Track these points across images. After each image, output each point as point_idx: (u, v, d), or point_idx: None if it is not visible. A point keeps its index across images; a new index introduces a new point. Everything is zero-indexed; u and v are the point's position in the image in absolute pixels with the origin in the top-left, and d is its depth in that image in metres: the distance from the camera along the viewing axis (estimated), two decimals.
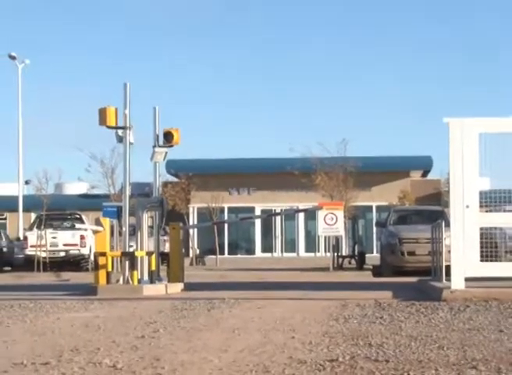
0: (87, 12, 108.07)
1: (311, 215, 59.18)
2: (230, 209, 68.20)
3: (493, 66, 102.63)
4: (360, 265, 45.56)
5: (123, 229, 25.43)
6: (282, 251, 69.01)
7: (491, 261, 20.96)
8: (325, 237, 50.33)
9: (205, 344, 11.85)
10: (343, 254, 49.14)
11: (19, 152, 65.38)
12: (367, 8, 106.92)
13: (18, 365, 9.88)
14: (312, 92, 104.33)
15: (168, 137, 25.90)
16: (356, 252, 48.79)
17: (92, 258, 32.24)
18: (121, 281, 24.14)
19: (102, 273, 24.23)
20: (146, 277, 24.59)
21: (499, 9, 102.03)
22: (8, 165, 68.70)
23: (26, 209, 65.04)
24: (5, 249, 50.91)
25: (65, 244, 46.85)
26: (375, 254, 49.02)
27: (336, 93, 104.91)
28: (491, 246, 21.04)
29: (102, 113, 24.44)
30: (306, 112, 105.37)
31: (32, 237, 47.80)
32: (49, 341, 12.40)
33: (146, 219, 25.91)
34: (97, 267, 24.76)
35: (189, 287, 25.57)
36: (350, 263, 47.24)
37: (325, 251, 52.37)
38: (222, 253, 63.46)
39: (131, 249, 24.98)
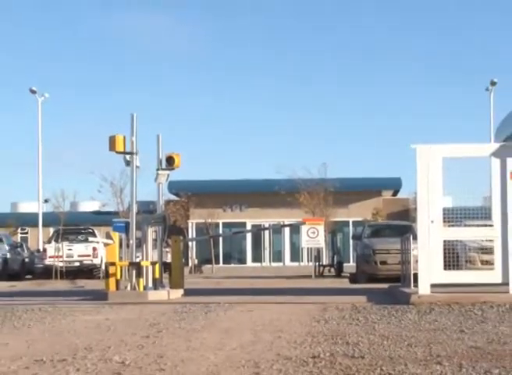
0: (92, 50, 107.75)
1: (295, 229, 59.05)
2: (224, 224, 68.06)
3: (456, 95, 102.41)
4: (339, 273, 45.51)
5: (130, 242, 25.44)
6: (270, 261, 68.88)
7: (453, 269, 20.98)
8: (308, 249, 50.18)
9: (203, 343, 11.87)
10: (324, 263, 49.02)
11: (39, 174, 65.36)
12: (336, 42, 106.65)
13: (38, 361, 9.91)
14: (297, 121, 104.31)
15: (170, 161, 25.95)
16: (335, 262, 48.68)
17: (103, 267, 32.20)
18: (129, 288, 24.15)
19: (112, 281, 24.25)
20: (150, 284, 24.61)
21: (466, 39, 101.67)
22: (29, 186, 68.81)
23: (46, 225, 64.94)
24: (27, 259, 50.93)
25: (79, 255, 46.78)
26: (351, 263, 48.95)
27: (317, 122, 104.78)
28: (453, 256, 21.07)
29: (112, 140, 24.51)
30: (291, 138, 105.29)
31: (50, 249, 47.76)
32: (65, 341, 12.42)
33: (150, 233, 25.94)
34: (107, 275, 24.76)
35: (188, 292, 25.58)
36: (329, 271, 47.16)
37: (308, 260, 52.14)
38: (217, 263, 63.32)
39: (137, 259, 24.99)
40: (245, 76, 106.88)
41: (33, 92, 64.70)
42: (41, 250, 52.87)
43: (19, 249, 51.63)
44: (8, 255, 47.62)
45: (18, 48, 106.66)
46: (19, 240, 64.13)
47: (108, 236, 28.49)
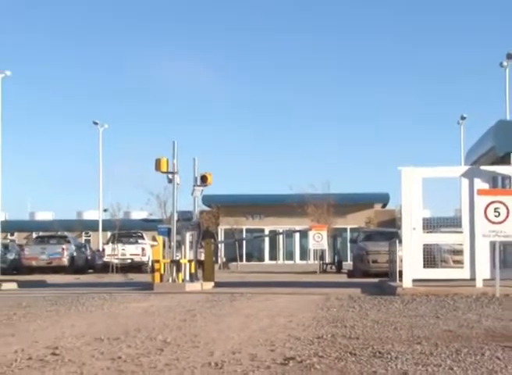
0: (140, 88, 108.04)
1: (304, 234, 58.92)
2: (247, 230, 68.11)
3: (434, 127, 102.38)
4: (339, 269, 45.48)
5: (172, 243, 25.47)
6: (283, 260, 68.73)
7: (430, 267, 20.90)
8: (314, 250, 50.18)
9: (229, 325, 11.84)
10: (327, 262, 48.92)
11: (99, 189, 65.65)
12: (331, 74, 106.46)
13: (97, 339, 9.90)
14: (305, 148, 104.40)
15: (203, 179, 25.96)
16: (336, 260, 48.65)
17: (150, 264, 32.27)
18: (170, 280, 24.13)
19: (157, 275, 24.25)
20: (188, 278, 24.59)
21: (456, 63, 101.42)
22: (92, 198, 69.12)
23: (104, 229, 65.09)
24: (89, 257, 51.16)
25: (131, 254, 46.87)
26: (349, 262, 48.73)
27: (321, 148, 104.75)
28: (430, 257, 20.98)
29: (157, 162, 24.56)
30: (301, 161, 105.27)
31: (108, 249, 47.90)
32: (119, 323, 12.41)
33: (188, 236, 25.94)
34: (153, 270, 24.80)
35: (218, 284, 25.58)
36: (331, 268, 47.09)
37: (314, 259, 52.07)
38: (241, 261, 63.37)
39: (177, 258, 24.99)
40: (262, 111, 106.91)
41: (96, 123, 64.96)
42: (101, 250, 53.02)
43: (83, 249, 51.85)
44: (75, 254, 47.81)
45: (84, 88, 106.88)
46: (83, 241, 64.27)
47: (154, 239, 28.58)
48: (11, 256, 48.29)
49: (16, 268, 46.20)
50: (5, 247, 49.59)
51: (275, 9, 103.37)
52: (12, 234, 73.55)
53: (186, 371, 7.28)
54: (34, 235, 58.75)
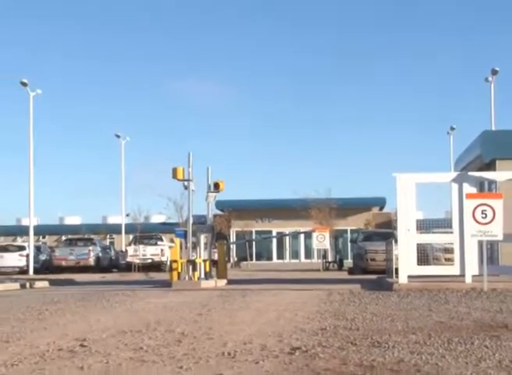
0: (158, 105, 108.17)
1: (308, 235, 58.95)
2: (256, 232, 68.06)
3: (426, 136, 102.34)
4: (340, 267, 45.42)
5: (188, 245, 25.48)
6: (289, 259, 68.64)
7: (424, 265, 20.90)
8: (318, 249, 50.20)
9: (240, 319, 11.84)
10: (329, 260, 48.88)
11: (122, 196, 65.63)
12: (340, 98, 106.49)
13: (121, 332, 9.91)
14: (309, 156, 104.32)
15: (216, 186, 25.99)
16: (337, 259, 48.67)
17: (168, 263, 32.29)
18: (187, 278, 24.13)
19: (175, 273, 24.23)
20: (203, 276, 24.61)
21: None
22: (115, 204, 69.40)
23: (127, 232, 65.09)
24: (113, 257, 51.22)
25: (151, 255, 46.89)
26: (349, 260, 48.68)
27: (323, 157, 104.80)
28: (424, 255, 20.98)
29: (174, 171, 24.63)
30: (304, 169, 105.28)
31: (130, 250, 47.98)
32: (141, 317, 12.42)
33: (202, 238, 25.97)
34: (171, 269, 24.77)
35: (230, 282, 25.56)
36: (333, 266, 47.02)
37: (318, 258, 52.02)
38: (251, 260, 63.34)
39: (193, 258, 25.00)
40: (269, 123, 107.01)
41: (118, 136, 65.01)
42: (124, 251, 53.07)
43: (108, 250, 51.97)
44: (100, 254, 47.90)
45: (108, 104, 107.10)
46: (108, 243, 64.35)
47: (172, 241, 28.57)
48: (43, 257, 48.49)
49: (48, 268, 46.31)
50: (38, 249, 49.80)
51: (280, 24, 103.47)
52: (43, 237, 73.69)
53: (202, 360, 7.30)
54: (64, 238, 58.78)
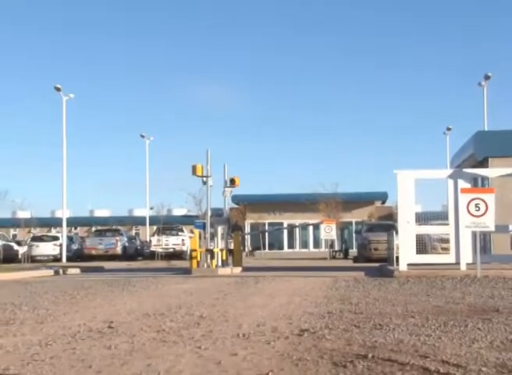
0: (183, 109, 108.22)
1: (316, 227, 58.93)
2: (269, 224, 68.14)
3: (425, 136, 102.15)
4: (346, 256, 45.50)
5: (206, 235, 25.56)
6: (299, 248, 68.71)
7: (422, 254, 20.86)
8: (325, 240, 50.22)
9: (254, 303, 11.84)
10: (335, 249, 48.93)
11: (146, 190, 65.74)
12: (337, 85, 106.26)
13: (145, 315, 9.93)
14: (317, 153, 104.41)
15: (232, 181, 26.06)
16: (343, 248, 48.69)
17: (188, 252, 32.36)
18: (205, 266, 24.20)
19: (194, 261, 24.31)
20: (220, 263, 24.68)
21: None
22: (141, 198, 69.65)
23: (151, 224, 65.35)
24: (139, 247, 51.50)
25: (173, 244, 47.06)
26: (354, 249, 48.68)
27: (331, 153, 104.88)
28: (422, 245, 20.94)
29: (194, 168, 24.73)
30: (313, 165, 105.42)
31: (154, 240, 48.19)
32: (163, 301, 12.44)
33: (220, 229, 26.04)
34: (191, 258, 24.84)
35: (245, 269, 25.60)
36: (339, 255, 47.10)
37: (325, 247, 52.05)
38: (264, 249, 63.46)
39: (211, 247, 25.06)
40: (280, 124, 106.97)
41: (143, 136, 65.09)
42: (148, 241, 53.26)
43: (133, 240, 52.21)
44: (127, 244, 48.10)
45: (133, 107, 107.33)
46: (133, 234, 64.58)
47: (192, 231, 28.61)
48: (75, 246, 48.72)
49: (79, 256, 46.53)
50: (70, 239, 50.02)
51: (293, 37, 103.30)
52: (75, 228, 73.99)
53: (219, 341, 7.30)
54: (93, 229, 59.03)
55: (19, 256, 44.37)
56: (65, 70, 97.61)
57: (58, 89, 47.90)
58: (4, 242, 45.29)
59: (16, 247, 46.67)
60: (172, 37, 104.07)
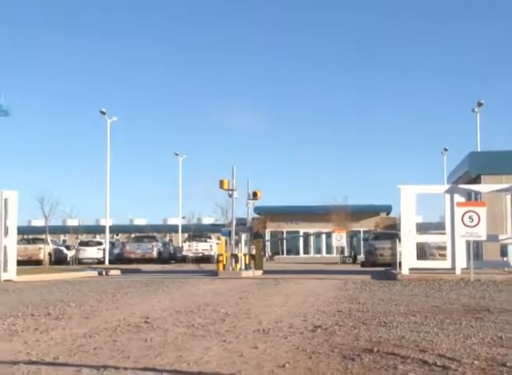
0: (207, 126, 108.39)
1: (328, 235, 58.85)
2: (287, 232, 68.01)
3: (424, 156, 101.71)
4: (354, 261, 45.30)
5: (232, 242, 25.54)
6: (313, 254, 68.49)
7: (422, 259, 20.80)
8: (336, 246, 50.04)
9: (273, 302, 11.83)
10: (346, 255, 48.72)
11: (179, 201, 65.93)
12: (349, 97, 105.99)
13: (177, 312, 9.93)
14: (329, 170, 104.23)
15: (254, 195, 26.07)
16: (352, 254, 48.48)
17: (216, 256, 32.38)
18: (230, 269, 24.17)
19: (221, 265, 24.31)
20: (243, 267, 24.64)
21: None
22: (174, 208, 69.75)
23: (183, 231, 65.43)
24: (172, 252, 51.41)
25: (202, 249, 47.00)
26: (362, 255, 48.43)
27: (341, 170, 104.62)
28: (422, 252, 20.88)
29: (221, 182, 24.76)
30: (325, 180, 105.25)
31: (185, 245, 48.21)
32: (193, 300, 12.45)
33: (243, 236, 26.02)
34: (218, 261, 24.85)
35: (265, 272, 25.56)
36: (349, 260, 46.92)
37: (336, 253, 51.85)
38: (282, 254, 63.38)
39: (236, 252, 25.04)
40: (297, 143, 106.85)
41: (176, 154, 65.33)
42: (180, 246, 53.31)
43: (167, 246, 52.19)
44: (162, 249, 48.12)
45: (168, 127, 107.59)
46: (167, 240, 64.65)
47: (219, 238, 28.64)
48: (116, 251, 48.89)
49: (120, 259, 46.63)
50: (112, 244, 50.30)
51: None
52: (117, 235, 74.25)
53: (242, 335, 7.29)
54: (133, 235, 59.18)
55: (68, 259, 44.63)
56: (111, 95, 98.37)
57: (103, 113, 48.22)
58: (55, 246, 45.67)
59: (65, 251, 47.01)
60: (204, 65, 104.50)
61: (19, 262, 22.43)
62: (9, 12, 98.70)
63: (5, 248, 20.88)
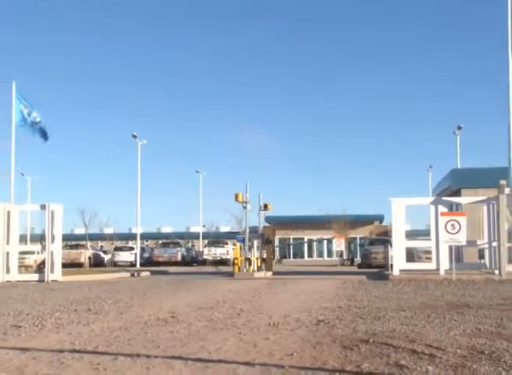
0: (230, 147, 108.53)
1: (329, 241, 58.65)
2: (293, 238, 67.87)
3: (412, 172, 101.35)
4: (352, 263, 44.96)
5: (245, 247, 25.51)
6: (316, 257, 68.28)
7: (410, 262, 20.73)
8: (336, 251, 49.82)
9: (282, 299, 11.82)
10: (344, 258, 48.48)
11: (200, 212, 65.93)
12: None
13: (199, 308, 9.94)
14: (330, 184, 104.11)
15: (265, 206, 26.04)
16: (350, 257, 48.20)
17: (231, 260, 32.33)
18: (244, 270, 24.13)
19: (236, 267, 24.26)
20: (255, 269, 24.59)
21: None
22: (195, 217, 69.60)
23: (203, 238, 65.38)
24: (194, 256, 51.30)
25: (220, 254, 46.86)
26: (358, 258, 48.19)
27: (341, 184, 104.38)
28: (410, 255, 20.85)
29: (236, 195, 24.75)
30: (325, 194, 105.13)
31: (205, 250, 48.14)
32: (212, 297, 12.45)
33: (255, 242, 26.00)
34: (233, 264, 24.79)
35: (275, 273, 25.49)
36: (347, 262, 46.61)
37: (336, 257, 51.63)
38: (289, 258, 63.20)
39: (249, 256, 25.01)
40: (303, 165, 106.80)
41: (198, 172, 65.36)
42: (201, 251, 53.26)
43: (190, 250, 52.20)
44: (185, 253, 48.09)
45: (189, 148, 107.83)
46: (190, 246, 64.63)
47: (234, 244, 28.60)
48: (146, 255, 48.90)
49: (149, 262, 46.58)
50: (142, 249, 50.37)
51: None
52: (146, 241, 74.21)
53: (255, 328, 7.29)
54: (160, 242, 59.21)
55: (105, 262, 44.79)
56: (142, 121, 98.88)
57: (134, 136, 48.38)
58: (94, 251, 45.82)
59: (102, 255, 47.10)
60: (222, 89, 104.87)
61: (64, 265, 22.47)
62: (44, 45, 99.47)
63: (52, 252, 20.98)
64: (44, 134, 27.25)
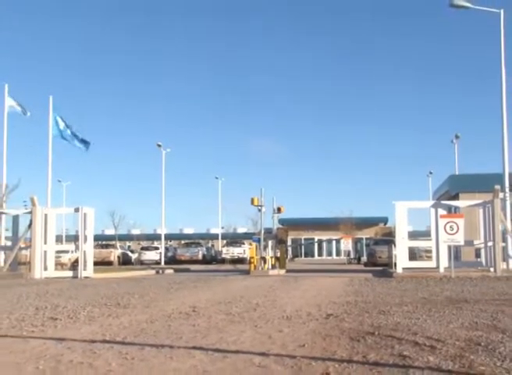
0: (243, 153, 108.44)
1: (338, 241, 58.55)
2: (305, 239, 67.77)
3: (414, 178, 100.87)
4: (358, 262, 44.77)
5: (261, 247, 25.50)
6: (326, 256, 68.11)
7: (412, 260, 20.61)
8: (344, 250, 49.69)
9: (294, 295, 11.78)
10: (351, 257, 48.30)
11: (219, 215, 65.90)
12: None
13: (218, 302, 9.93)
14: (338, 188, 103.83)
15: (279, 209, 26.08)
16: (357, 256, 47.99)
17: (248, 258, 32.32)
18: (260, 268, 24.10)
19: (252, 265, 24.23)
20: (270, 267, 24.56)
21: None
22: (215, 220, 70.00)
23: (222, 238, 65.42)
24: (213, 255, 51.26)
25: (237, 253, 46.78)
26: (364, 257, 47.98)
27: (348, 189, 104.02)
28: (412, 254, 20.72)
29: (252, 199, 24.79)
30: (335, 196, 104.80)
31: (224, 250, 48.12)
32: (230, 293, 12.44)
33: (270, 243, 25.96)
34: (250, 262, 24.78)
35: (288, 271, 25.44)
36: (354, 261, 46.45)
37: (344, 256, 51.46)
38: (301, 257, 63.03)
39: (264, 255, 24.98)
40: (313, 170, 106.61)
41: (217, 178, 65.37)
42: (220, 250, 53.26)
43: (210, 250, 52.11)
44: (205, 253, 48.09)
45: (210, 155, 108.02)
46: (210, 245, 64.69)
47: (250, 244, 28.56)
48: (169, 254, 48.97)
49: (172, 261, 46.65)
50: (166, 249, 50.44)
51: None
52: (170, 241, 74.47)
53: (270, 321, 7.27)
54: (182, 242, 59.35)
55: (133, 260, 44.87)
56: (166, 131, 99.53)
57: (159, 145, 48.56)
58: (123, 251, 45.96)
59: (130, 254, 47.22)
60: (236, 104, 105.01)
61: (95, 263, 22.57)
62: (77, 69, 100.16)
63: (85, 252, 21.09)
64: (85, 144, 27.85)
